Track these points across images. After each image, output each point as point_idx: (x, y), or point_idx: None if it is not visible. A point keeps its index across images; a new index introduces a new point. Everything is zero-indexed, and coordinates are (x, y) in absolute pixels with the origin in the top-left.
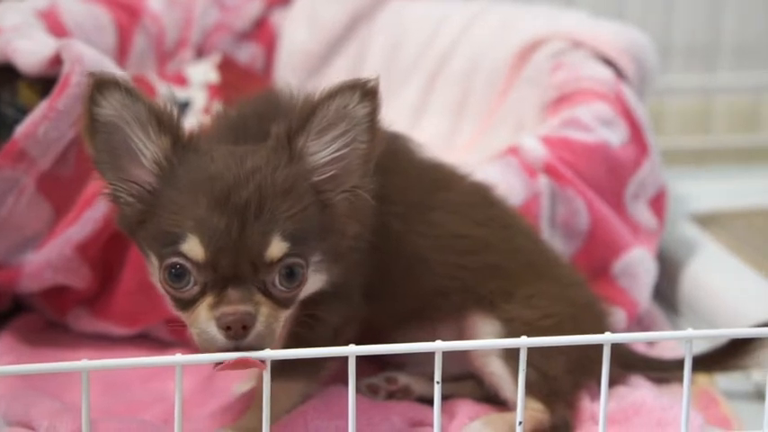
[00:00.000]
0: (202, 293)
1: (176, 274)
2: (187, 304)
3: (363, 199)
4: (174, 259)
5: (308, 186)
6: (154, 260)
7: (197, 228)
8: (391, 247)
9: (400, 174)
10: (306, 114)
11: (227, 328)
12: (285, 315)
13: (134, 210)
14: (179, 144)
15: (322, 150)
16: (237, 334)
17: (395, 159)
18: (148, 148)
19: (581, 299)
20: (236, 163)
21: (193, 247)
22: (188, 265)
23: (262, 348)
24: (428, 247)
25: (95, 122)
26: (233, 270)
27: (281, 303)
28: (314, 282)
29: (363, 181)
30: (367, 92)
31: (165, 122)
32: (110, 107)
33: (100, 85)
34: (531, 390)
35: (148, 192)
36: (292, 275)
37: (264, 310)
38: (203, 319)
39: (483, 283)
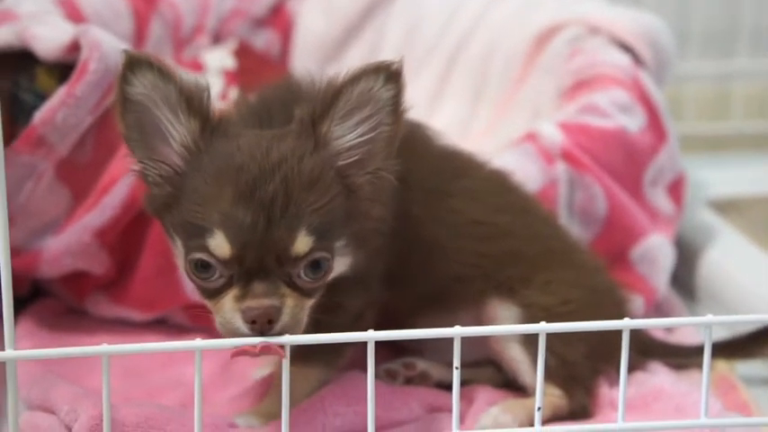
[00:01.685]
0: (228, 285)
1: (202, 266)
2: (213, 293)
3: (386, 180)
4: (200, 255)
5: (334, 173)
6: (179, 245)
7: (223, 223)
8: (411, 234)
9: (419, 161)
10: (330, 98)
11: (252, 322)
12: (310, 304)
13: (162, 191)
14: (207, 128)
15: (347, 135)
16: (263, 328)
17: (413, 147)
18: (177, 131)
19: (600, 285)
20: (262, 153)
21: (220, 244)
22: (213, 260)
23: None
24: (447, 234)
25: (126, 101)
26: (258, 264)
27: (307, 293)
28: (338, 266)
29: (387, 163)
30: (391, 74)
31: (194, 105)
32: (141, 86)
33: (132, 63)
34: (549, 375)
35: (176, 174)
36: (318, 267)
37: (290, 302)
38: (229, 310)
39: (502, 270)
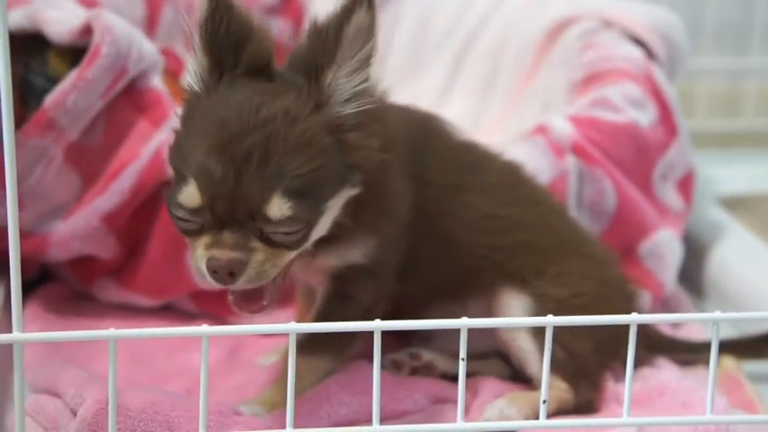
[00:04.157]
0: (202, 230)
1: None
2: (189, 234)
3: (372, 105)
4: (174, 210)
5: (330, 134)
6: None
7: (196, 173)
8: (424, 228)
9: (435, 156)
10: (332, 42)
11: (214, 272)
12: (291, 256)
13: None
14: (217, 71)
15: (350, 81)
16: (225, 279)
17: (429, 141)
18: (196, 60)
19: (611, 278)
20: (251, 110)
21: (191, 194)
22: (183, 211)
23: (254, 286)
24: (461, 229)
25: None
26: (230, 215)
27: (286, 247)
28: (345, 196)
29: (370, 90)
30: (370, 1)
31: (209, 40)
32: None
33: None
34: (557, 368)
35: (190, 105)
36: (294, 230)
37: (259, 256)
38: (198, 256)
39: (514, 260)
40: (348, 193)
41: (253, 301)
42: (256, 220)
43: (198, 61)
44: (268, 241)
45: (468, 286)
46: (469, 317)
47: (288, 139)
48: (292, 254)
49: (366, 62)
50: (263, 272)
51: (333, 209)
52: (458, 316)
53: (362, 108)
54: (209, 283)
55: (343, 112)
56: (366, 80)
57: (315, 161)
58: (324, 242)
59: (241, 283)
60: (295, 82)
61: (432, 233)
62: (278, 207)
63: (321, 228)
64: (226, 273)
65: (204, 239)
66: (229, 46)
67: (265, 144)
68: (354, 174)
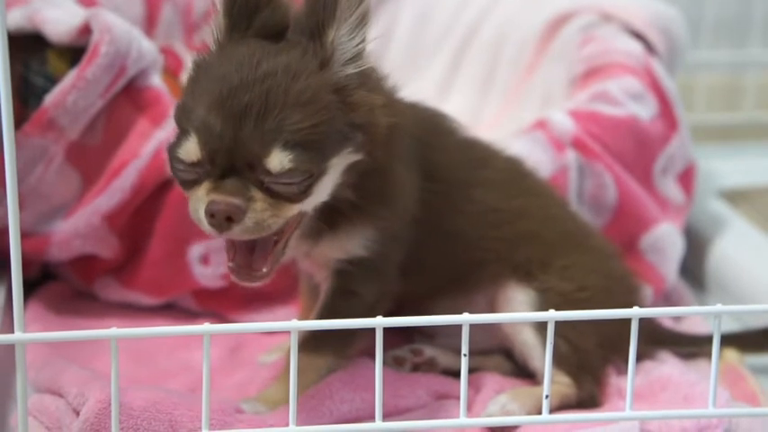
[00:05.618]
0: (202, 180)
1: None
2: (188, 185)
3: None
4: (175, 161)
5: (334, 92)
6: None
7: (197, 127)
8: (430, 224)
9: (442, 152)
10: (331, 1)
11: (211, 216)
12: (292, 210)
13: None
14: (230, 31)
15: (350, 40)
16: (222, 224)
17: (436, 137)
18: (215, 21)
19: (614, 271)
20: (251, 65)
21: (192, 148)
22: (183, 165)
23: (252, 237)
24: (467, 223)
25: None
26: (230, 167)
27: (287, 199)
28: (348, 159)
29: (367, 53)
30: None
31: (230, 4)
32: None
33: None
34: (560, 362)
35: (198, 65)
36: (294, 183)
37: (258, 205)
38: (198, 200)
39: (519, 251)
40: (351, 156)
41: (254, 266)
42: (257, 171)
43: (216, 22)
44: (268, 191)
45: (473, 280)
46: (474, 311)
47: (288, 94)
48: (294, 208)
49: (363, 21)
50: (263, 221)
51: (335, 169)
52: (462, 310)
53: (364, 68)
54: (207, 231)
55: (347, 72)
56: (365, 41)
57: (316, 117)
58: (325, 229)
59: (238, 232)
60: (300, 42)
61: (438, 229)
62: (278, 160)
63: (323, 188)
64: (223, 217)
65: (205, 186)
66: (247, 10)
67: (264, 98)
68: (357, 135)
